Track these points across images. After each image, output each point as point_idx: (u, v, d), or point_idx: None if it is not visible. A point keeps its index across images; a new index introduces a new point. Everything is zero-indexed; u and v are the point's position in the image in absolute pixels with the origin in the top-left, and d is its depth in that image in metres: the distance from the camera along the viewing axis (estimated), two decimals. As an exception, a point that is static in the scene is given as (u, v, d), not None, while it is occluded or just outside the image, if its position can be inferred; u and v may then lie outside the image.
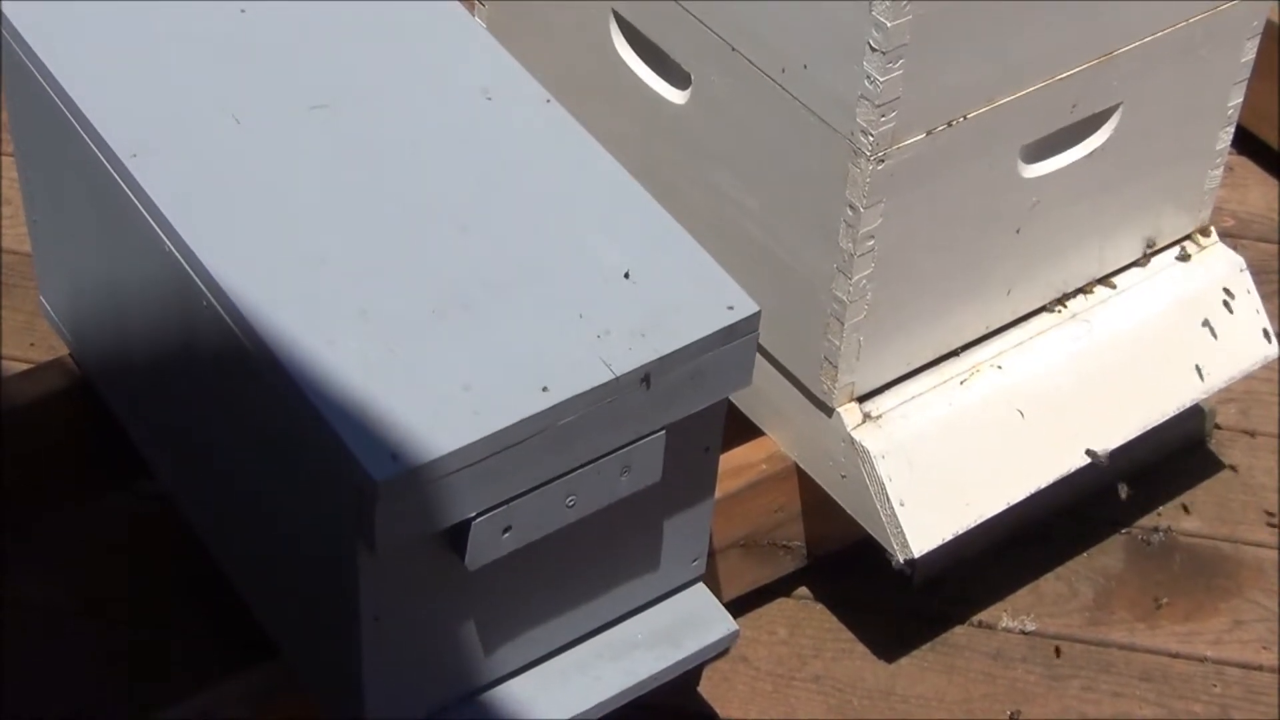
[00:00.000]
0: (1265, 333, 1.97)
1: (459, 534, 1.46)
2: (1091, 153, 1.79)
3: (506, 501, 1.46)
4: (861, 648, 1.95)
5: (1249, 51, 1.84)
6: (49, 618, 1.88)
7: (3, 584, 1.89)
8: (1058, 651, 1.95)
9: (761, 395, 1.84)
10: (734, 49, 1.70)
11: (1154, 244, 1.93)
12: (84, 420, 1.89)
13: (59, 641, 1.86)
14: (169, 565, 1.91)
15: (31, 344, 2.14)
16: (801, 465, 1.86)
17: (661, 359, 1.48)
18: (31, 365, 2.05)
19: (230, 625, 1.82)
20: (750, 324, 1.52)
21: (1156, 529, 2.06)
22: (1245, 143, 2.43)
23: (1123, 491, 1.98)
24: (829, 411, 1.78)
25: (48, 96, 1.64)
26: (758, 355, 1.58)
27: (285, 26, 1.68)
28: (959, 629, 1.97)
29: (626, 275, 1.52)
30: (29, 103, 1.70)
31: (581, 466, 1.49)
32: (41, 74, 1.64)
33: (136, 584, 1.91)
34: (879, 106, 1.59)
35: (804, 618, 1.97)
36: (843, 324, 1.71)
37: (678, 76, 1.80)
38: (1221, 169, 1.92)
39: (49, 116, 1.66)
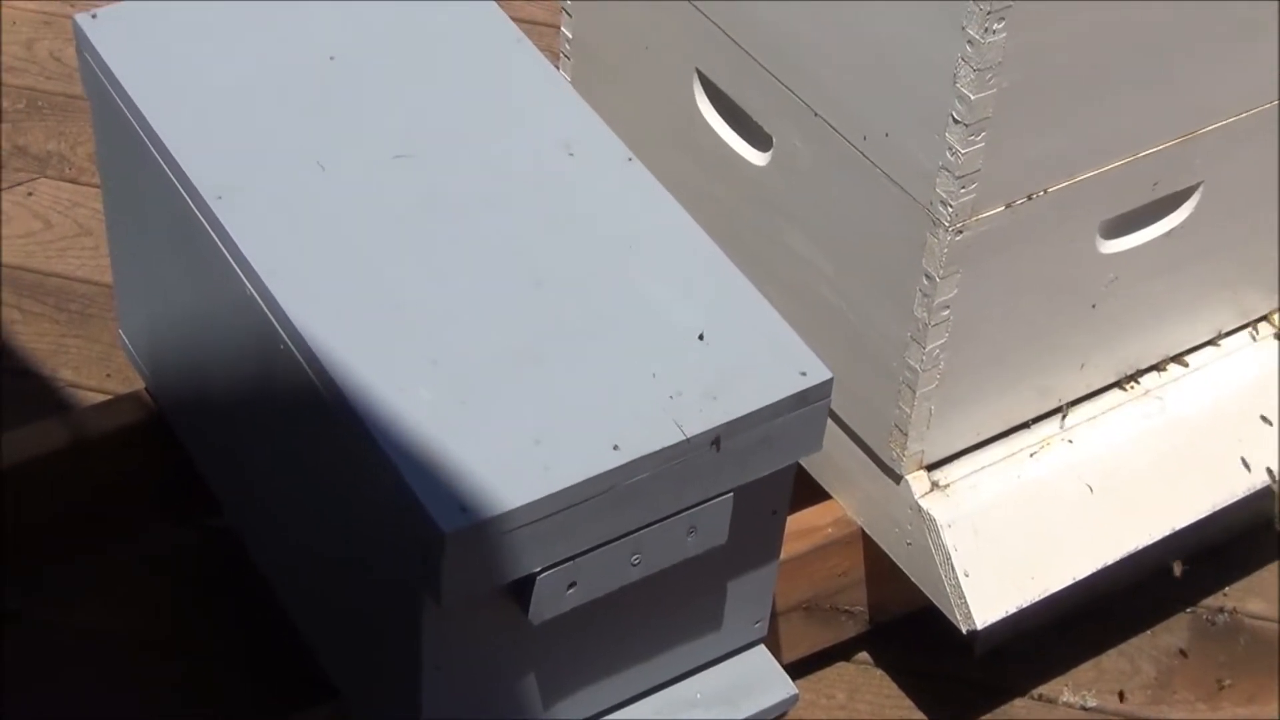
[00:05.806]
0: (1339, 416, 1.96)
1: (523, 588, 1.46)
2: (1170, 231, 1.78)
3: (572, 558, 1.46)
4: (920, 715, 1.94)
5: (1333, 135, 1.84)
6: (113, 649, 1.89)
7: (71, 614, 1.91)
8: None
9: (830, 459, 1.84)
10: (816, 114, 1.71)
11: (1230, 323, 1.93)
12: (157, 454, 1.90)
13: (121, 674, 1.87)
14: (234, 602, 1.92)
15: (108, 375, 2.16)
16: (867, 531, 1.86)
17: (732, 422, 1.48)
18: (108, 397, 2.06)
19: (293, 664, 1.82)
20: (822, 390, 1.52)
21: (1222, 609, 2.05)
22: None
23: (1177, 570, 1.97)
24: (897, 478, 1.78)
25: (135, 133, 1.66)
26: (827, 419, 1.58)
27: (373, 75, 1.70)
28: (1019, 701, 1.96)
29: (701, 337, 1.53)
30: (116, 138, 1.72)
31: (648, 525, 1.49)
32: (130, 110, 1.66)
33: (201, 619, 1.92)
34: (959, 178, 1.59)
35: (863, 683, 1.97)
36: (914, 392, 1.71)
37: (759, 138, 1.81)
38: (1301, 251, 1.92)
39: (135, 153, 1.67)
